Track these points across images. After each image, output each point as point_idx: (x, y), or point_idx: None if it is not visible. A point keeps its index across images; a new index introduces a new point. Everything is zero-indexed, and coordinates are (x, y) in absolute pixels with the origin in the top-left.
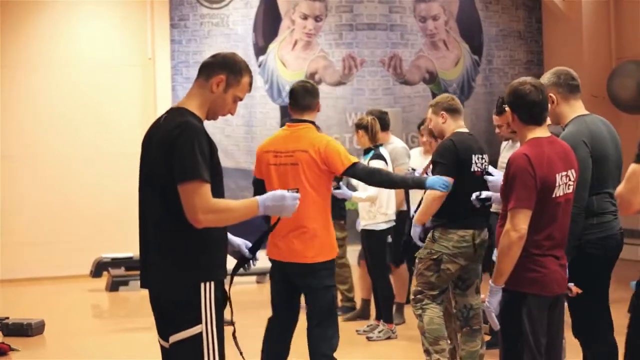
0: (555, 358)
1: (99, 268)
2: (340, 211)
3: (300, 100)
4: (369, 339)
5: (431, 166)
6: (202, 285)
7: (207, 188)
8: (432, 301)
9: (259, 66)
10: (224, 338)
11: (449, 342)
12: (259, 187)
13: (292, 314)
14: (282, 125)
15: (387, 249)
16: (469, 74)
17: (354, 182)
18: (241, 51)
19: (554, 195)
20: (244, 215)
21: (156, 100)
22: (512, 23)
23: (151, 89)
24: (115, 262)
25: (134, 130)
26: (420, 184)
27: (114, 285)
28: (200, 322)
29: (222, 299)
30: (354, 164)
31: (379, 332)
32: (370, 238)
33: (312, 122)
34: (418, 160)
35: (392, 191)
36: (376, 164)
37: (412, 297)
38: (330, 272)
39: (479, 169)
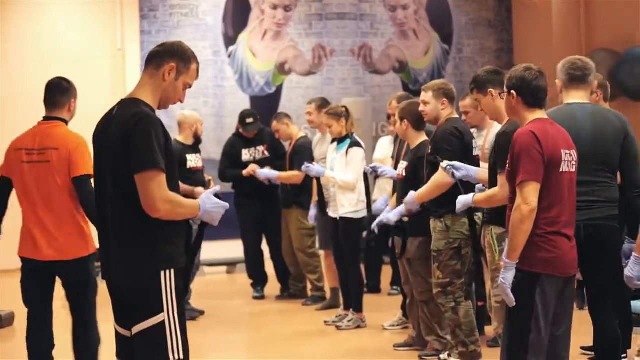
0: (563, 337)
1: None
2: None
3: (51, 97)
4: (338, 328)
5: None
6: (163, 273)
7: (164, 177)
8: (463, 294)
9: (229, 56)
10: (186, 326)
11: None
12: (5, 186)
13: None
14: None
15: (361, 237)
16: (439, 63)
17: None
18: (211, 41)
19: (561, 170)
20: (189, 214)
21: (126, 91)
22: (482, 12)
23: (121, 79)
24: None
25: None
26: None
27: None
28: (162, 311)
29: (183, 286)
30: (88, 176)
31: (349, 321)
32: (348, 226)
33: (64, 121)
34: (387, 149)
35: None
36: (357, 152)
37: (439, 289)
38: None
39: (477, 154)
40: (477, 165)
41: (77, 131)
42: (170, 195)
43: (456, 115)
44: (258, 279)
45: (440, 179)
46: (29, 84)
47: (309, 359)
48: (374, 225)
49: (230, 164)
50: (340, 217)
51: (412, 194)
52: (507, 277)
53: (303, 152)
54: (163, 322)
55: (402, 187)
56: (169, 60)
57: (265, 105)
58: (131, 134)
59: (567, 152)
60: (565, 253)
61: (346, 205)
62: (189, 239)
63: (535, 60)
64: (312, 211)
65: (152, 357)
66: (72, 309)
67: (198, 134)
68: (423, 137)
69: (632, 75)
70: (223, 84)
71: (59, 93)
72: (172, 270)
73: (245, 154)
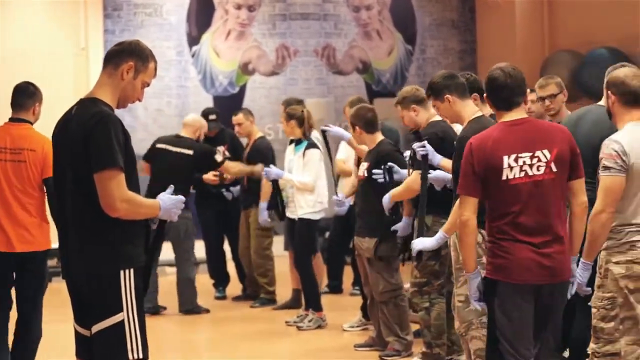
0: (545, 351)
1: None
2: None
3: (18, 99)
4: (299, 328)
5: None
6: (122, 273)
7: (123, 176)
8: (439, 294)
9: (192, 56)
10: (145, 324)
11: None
12: None
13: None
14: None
15: (316, 239)
16: (402, 63)
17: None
18: (174, 41)
19: (504, 178)
20: (148, 214)
21: (89, 90)
22: (446, 12)
23: (84, 79)
24: (48, 253)
25: None
26: None
27: (47, 276)
28: (122, 310)
29: (143, 285)
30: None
31: (309, 321)
32: (305, 227)
33: (30, 122)
34: (348, 149)
35: (326, 181)
36: (314, 153)
37: (415, 288)
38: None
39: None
40: None
41: (40, 129)
42: (129, 195)
43: (437, 118)
44: (219, 279)
45: (412, 182)
46: None
47: (269, 359)
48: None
49: None
50: (299, 218)
51: (387, 195)
52: (471, 286)
53: (264, 153)
54: (122, 321)
55: (363, 188)
56: (127, 59)
57: (228, 105)
58: (91, 132)
59: (526, 154)
60: (520, 259)
61: (304, 206)
62: (148, 238)
63: (498, 61)
64: (265, 212)
65: (112, 357)
66: (21, 304)
67: (199, 140)
68: (379, 137)
69: (594, 77)
70: (186, 83)
71: (25, 96)
72: (132, 270)
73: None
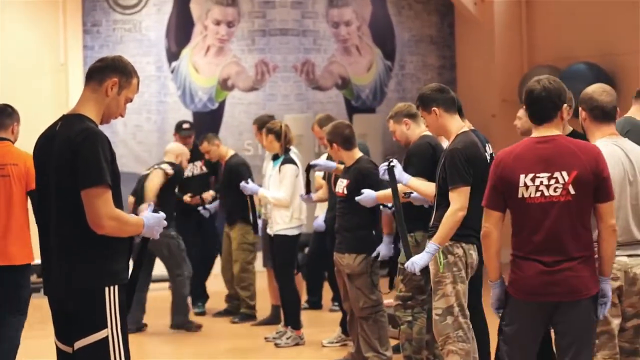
0: None
1: None
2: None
3: None
4: (277, 345)
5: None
6: (107, 289)
7: (110, 194)
8: (422, 309)
9: (172, 72)
10: (129, 341)
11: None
12: None
13: None
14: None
15: (296, 255)
16: (381, 79)
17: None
18: (154, 57)
19: (520, 196)
20: (133, 231)
21: (69, 106)
22: (425, 28)
23: (64, 94)
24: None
25: None
26: None
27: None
28: (106, 327)
29: (127, 302)
30: None
31: (287, 338)
32: (283, 243)
33: (10, 141)
34: None
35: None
36: (289, 169)
37: (399, 302)
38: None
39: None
40: None
41: (19, 144)
42: (116, 212)
43: (428, 133)
44: (198, 296)
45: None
46: None
47: None
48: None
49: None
50: (275, 234)
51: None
52: (493, 295)
53: (239, 170)
54: (106, 337)
55: (343, 205)
56: (111, 75)
57: (208, 121)
58: (79, 149)
59: (544, 174)
60: (529, 277)
61: (280, 222)
62: (131, 255)
63: (477, 77)
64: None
65: None
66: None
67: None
68: (357, 154)
69: (572, 91)
70: (166, 99)
71: (4, 116)
72: (116, 286)
73: (185, 170)
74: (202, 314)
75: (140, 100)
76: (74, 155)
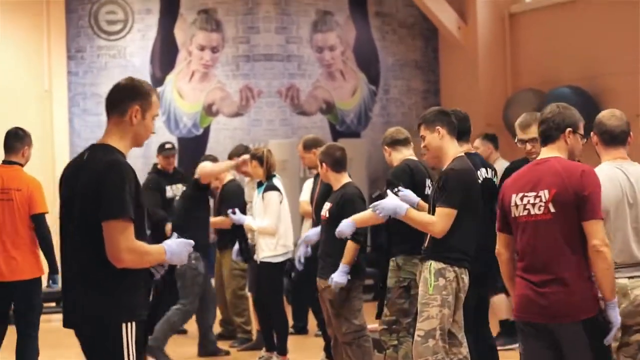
0: None
1: None
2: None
3: (8, 143)
4: None
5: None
6: (124, 325)
7: (132, 227)
8: (407, 333)
9: None
10: None
11: None
12: None
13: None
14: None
15: (282, 281)
16: (366, 103)
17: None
18: None
19: (512, 216)
20: (155, 260)
21: (53, 132)
22: (409, 53)
23: (48, 120)
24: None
25: (31, 162)
26: None
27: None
28: None
29: (143, 338)
30: (44, 214)
31: None
32: (269, 270)
33: (20, 164)
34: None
35: (290, 222)
36: (272, 195)
37: (384, 326)
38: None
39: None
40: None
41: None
42: (137, 245)
43: (413, 158)
44: None
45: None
46: None
47: None
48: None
49: (154, 200)
50: (260, 262)
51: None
52: None
53: (230, 198)
54: None
55: (326, 229)
56: (131, 103)
57: (192, 147)
58: (103, 180)
59: (531, 193)
60: (519, 295)
61: (265, 249)
62: (150, 289)
63: (462, 101)
64: (236, 246)
65: None
66: (18, 327)
67: None
68: (346, 178)
69: None
70: None
71: (15, 140)
72: (134, 323)
73: (169, 191)
74: (184, 332)
75: None
76: (99, 185)
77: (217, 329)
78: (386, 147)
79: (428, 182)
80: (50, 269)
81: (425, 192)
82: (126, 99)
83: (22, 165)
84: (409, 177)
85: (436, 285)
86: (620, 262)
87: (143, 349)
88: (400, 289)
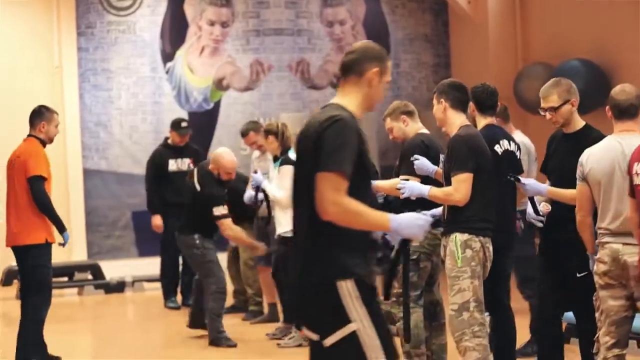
0: None
1: (9, 276)
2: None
3: (30, 119)
4: (279, 345)
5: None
6: (343, 283)
7: (344, 182)
8: (416, 304)
9: (167, 72)
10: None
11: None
12: None
13: None
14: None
15: None
16: None
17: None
18: (148, 58)
19: (635, 183)
20: (371, 225)
21: (64, 108)
22: (419, 27)
23: (59, 96)
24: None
25: None
26: None
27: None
28: (350, 321)
29: (371, 294)
30: (39, 177)
31: (289, 338)
32: (284, 245)
33: (39, 138)
34: None
35: None
36: (286, 169)
37: (393, 299)
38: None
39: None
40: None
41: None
42: (347, 202)
43: (425, 131)
44: (172, 291)
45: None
46: None
47: None
48: None
49: (156, 172)
50: (280, 236)
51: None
52: None
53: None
54: (354, 332)
55: None
56: (371, 66)
57: (203, 122)
58: (323, 134)
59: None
60: None
61: (284, 224)
62: (375, 252)
63: (472, 74)
64: (248, 192)
65: None
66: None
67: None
68: None
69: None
70: (161, 100)
71: (33, 116)
72: (352, 280)
73: (172, 165)
74: (177, 307)
75: (136, 101)
76: (319, 139)
77: (230, 301)
78: (404, 117)
79: (442, 157)
80: (57, 229)
81: (440, 167)
82: (365, 61)
83: (39, 139)
84: (423, 152)
85: (464, 257)
86: (615, 229)
87: (372, 303)
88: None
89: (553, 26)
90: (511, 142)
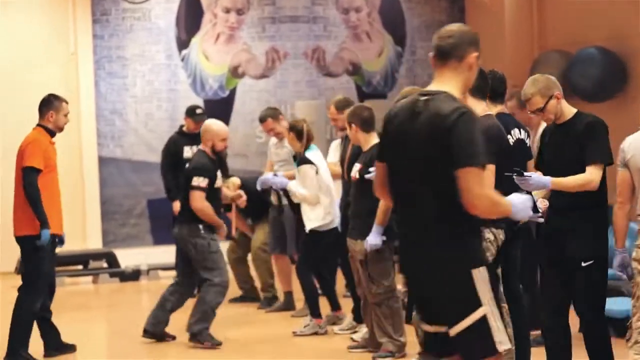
0: None
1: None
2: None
3: (39, 108)
4: (293, 333)
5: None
6: (475, 272)
7: (486, 175)
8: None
9: (182, 60)
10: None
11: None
12: None
13: None
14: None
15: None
16: (392, 65)
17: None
18: (164, 45)
19: None
20: (503, 213)
21: (79, 95)
22: (435, 14)
23: (74, 84)
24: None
25: None
26: None
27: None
28: (481, 305)
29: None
30: (32, 168)
31: (304, 326)
32: (318, 238)
33: (46, 128)
34: (338, 152)
35: (333, 191)
36: (305, 169)
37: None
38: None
39: None
40: None
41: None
42: (490, 193)
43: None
44: None
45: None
46: None
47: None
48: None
49: (171, 160)
50: (310, 230)
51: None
52: None
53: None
54: (484, 316)
55: (355, 190)
56: (470, 50)
57: (219, 109)
58: (453, 128)
59: None
60: None
61: (313, 218)
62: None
63: (488, 62)
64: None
65: (479, 352)
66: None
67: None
68: (375, 139)
69: (584, 76)
70: (176, 87)
71: (42, 105)
72: (483, 268)
73: (187, 151)
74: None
75: (151, 89)
76: (447, 133)
77: (237, 292)
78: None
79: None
80: (40, 224)
81: None
82: (464, 45)
83: (47, 129)
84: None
85: None
86: None
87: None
88: None
89: (570, 13)
90: (521, 130)
